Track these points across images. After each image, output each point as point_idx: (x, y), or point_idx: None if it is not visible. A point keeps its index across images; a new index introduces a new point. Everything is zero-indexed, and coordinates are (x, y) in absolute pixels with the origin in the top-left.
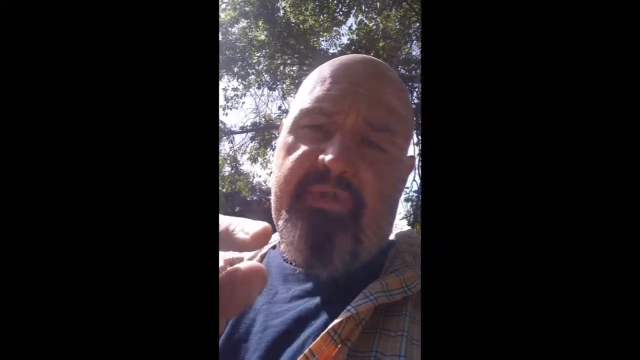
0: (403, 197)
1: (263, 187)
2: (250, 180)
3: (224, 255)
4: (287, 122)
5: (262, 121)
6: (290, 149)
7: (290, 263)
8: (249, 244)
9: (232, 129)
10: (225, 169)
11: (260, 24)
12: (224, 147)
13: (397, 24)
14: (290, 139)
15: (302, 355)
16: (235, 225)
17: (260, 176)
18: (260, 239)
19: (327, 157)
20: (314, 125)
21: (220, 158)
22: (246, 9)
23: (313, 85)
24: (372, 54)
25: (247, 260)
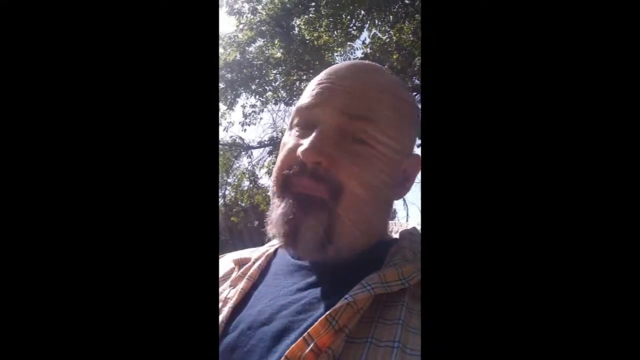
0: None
1: None
2: (269, 194)
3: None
4: (287, 126)
5: (280, 136)
6: (282, 147)
7: (296, 260)
8: None
9: (250, 144)
10: (245, 184)
11: (276, 42)
12: (243, 162)
13: (410, 35)
14: (284, 138)
15: (300, 339)
16: None
17: None
18: None
19: (300, 149)
20: (301, 123)
21: (239, 173)
22: (262, 28)
23: (305, 91)
24: (386, 66)
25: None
